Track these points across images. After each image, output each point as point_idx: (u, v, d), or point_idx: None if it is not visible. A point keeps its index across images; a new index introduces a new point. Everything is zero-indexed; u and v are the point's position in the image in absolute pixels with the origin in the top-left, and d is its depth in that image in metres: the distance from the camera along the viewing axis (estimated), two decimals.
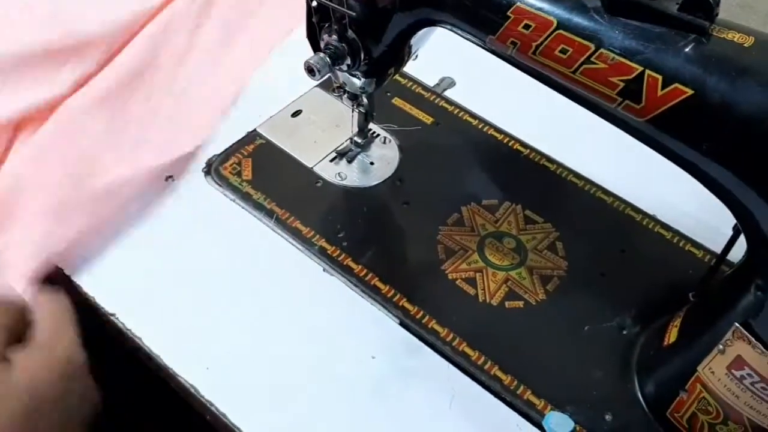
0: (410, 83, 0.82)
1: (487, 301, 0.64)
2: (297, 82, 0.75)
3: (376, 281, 0.64)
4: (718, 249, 0.59)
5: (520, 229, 0.69)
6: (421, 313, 0.63)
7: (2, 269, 0.59)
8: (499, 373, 0.60)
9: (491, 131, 0.78)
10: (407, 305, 0.63)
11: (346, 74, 0.63)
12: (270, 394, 0.58)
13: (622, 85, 0.46)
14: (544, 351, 0.62)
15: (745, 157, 0.44)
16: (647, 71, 0.45)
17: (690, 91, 0.44)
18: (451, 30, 0.55)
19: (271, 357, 0.60)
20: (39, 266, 0.60)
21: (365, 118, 0.71)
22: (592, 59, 0.47)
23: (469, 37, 0.54)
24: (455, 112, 0.79)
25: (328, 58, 0.57)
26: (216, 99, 0.78)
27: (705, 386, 0.53)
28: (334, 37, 0.57)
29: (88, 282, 0.64)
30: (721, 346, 0.51)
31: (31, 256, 0.61)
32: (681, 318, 0.58)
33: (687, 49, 0.44)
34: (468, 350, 0.61)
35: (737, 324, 0.50)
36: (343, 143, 0.75)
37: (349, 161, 0.73)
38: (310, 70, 0.58)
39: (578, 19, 0.47)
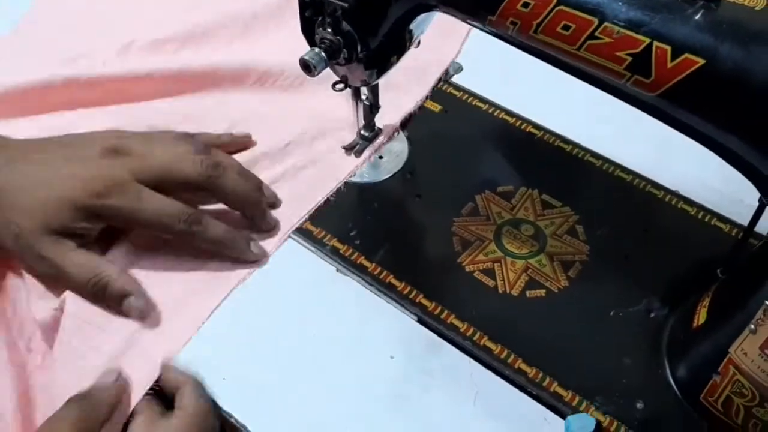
0: None
1: (508, 291, 0.62)
2: None
3: (391, 279, 0.63)
4: (745, 222, 0.56)
5: (538, 214, 0.67)
6: (440, 308, 0.61)
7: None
8: (524, 366, 0.58)
9: (502, 115, 0.75)
10: (424, 301, 0.61)
11: (347, 67, 0.61)
12: (286, 399, 0.57)
13: (629, 59, 0.44)
14: (569, 340, 0.59)
15: (764, 125, 0.42)
16: (655, 43, 0.43)
17: (701, 61, 0.41)
18: (449, 13, 0.53)
19: (286, 362, 0.59)
20: None
21: (370, 110, 0.69)
22: (596, 34, 0.45)
23: (467, 20, 0.52)
24: (464, 98, 0.77)
25: (323, 53, 0.55)
26: None
27: (738, 368, 0.50)
28: (329, 30, 0.55)
29: None
30: (752, 326, 0.48)
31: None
32: (709, 298, 0.56)
33: (695, 17, 0.42)
34: (490, 344, 0.59)
35: (767, 302, 0.47)
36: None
37: (357, 156, 0.71)
38: (305, 66, 0.56)
39: None
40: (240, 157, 0.69)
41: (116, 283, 0.59)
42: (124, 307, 0.59)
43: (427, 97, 0.77)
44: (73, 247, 0.59)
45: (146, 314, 0.60)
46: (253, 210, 0.65)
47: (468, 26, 0.55)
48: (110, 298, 0.59)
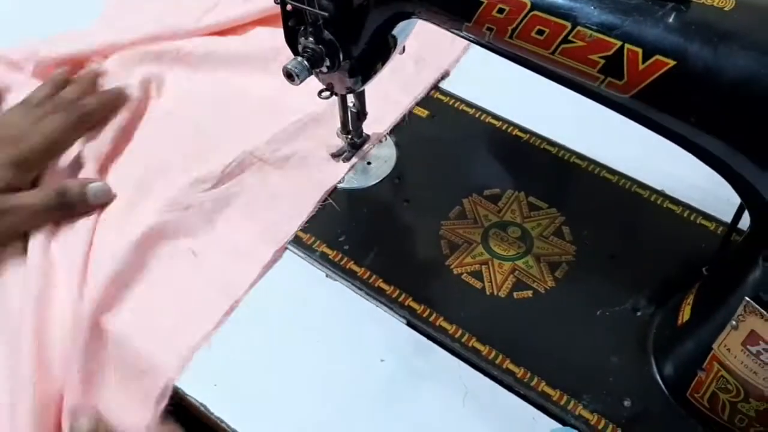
0: None
1: (495, 293, 0.62)
2: None
3: (380, 283, 0.63)
4: (730, 219, 0.57)
5: (525, 216, 0.68)
6: (428, 311, 0.61)
7: None
8: (512, 367, 0.58)
9: (489, 119, 0.76)
10: (413, 304, 0.62)
11: (332, 75, 0.62)
12: (278, 404, 0.58)
13: (602, 62, 0.45)
14: (556, 340, 0.60)
15: (734, 123, 0.42)
16: (626, 45, 0.44)
17: (672, 62, 0.42)
18: (427, 20, 0.54)
19: (277, 367, 0.60)
20: None
21: (357, 117, 0.70)
22: (569, 38, 0.45)
23: (446, 27, 0.52)
24: (450, 102, 0.78)
25: (306, 62, 0.56)
26: None
27: (722, 364, 0.51)
28: (311, 39, 0.56)
29: None
30: (734, 322, 0.49)
31: None
32: (693, 295, 0.56)
33: (666, 19, 0.43)
34: (478, 345, 0.60)
35: (748, 298, 0.48)
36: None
37: (345, 162, 0.72)
38: (288, 75, 0.56)
39: None
40: (228, 157, 0.71)
41: (72, 183, 0.67)
42: (89, 198, 0.67)
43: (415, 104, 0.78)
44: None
45: (110, 195, 0.69)
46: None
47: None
48: (72, 198, 0.67)
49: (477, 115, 0.76)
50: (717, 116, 0.43)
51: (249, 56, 0.82)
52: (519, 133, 0.75)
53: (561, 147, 0.73)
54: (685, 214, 0.67)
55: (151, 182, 0.71)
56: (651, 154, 0.69)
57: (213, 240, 0.67)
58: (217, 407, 0.57)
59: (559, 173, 0.72)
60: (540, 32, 0.46)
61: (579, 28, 0.45)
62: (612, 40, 0.44)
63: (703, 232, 0.66)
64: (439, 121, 0.76)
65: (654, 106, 0.45)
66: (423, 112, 0.77)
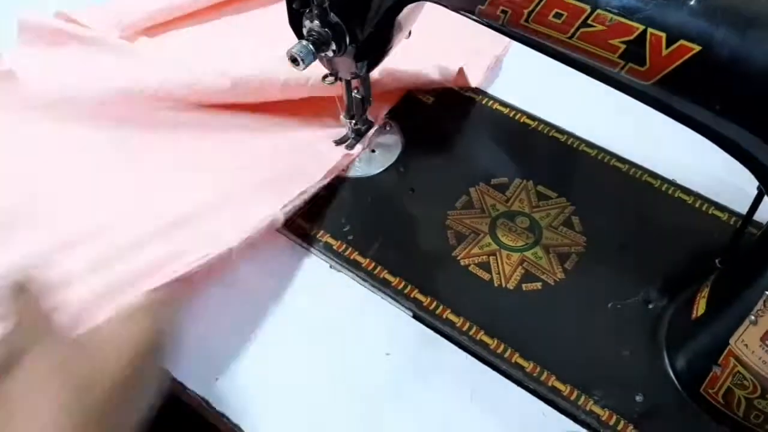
0: None
1: (503, 285, 0.61)
2: None
3: (385, 274, 0.62)
4: (744, 210, 0.55)
5: (533, 206, 0.66)
6: (435, 303, 0.60)
7: None
8: (521, 361, 0.57)
9: (496, 106, 0.74)
10: (420, 296, 0.60)
11: (337, 60, 0.60)
12: (281, 399, 0.56)
13: (623, 47, 0.43)
14: (566, 333, 0.59)
15: (761, 112, 0.41)
16: (649, 30, 0.42)
17: (697, 48, 0.41)
18: (438, 3, 0.52)
19: (280, 361, 0.58)
20: None
21: (362, 103, 0.68)
22: (589, 22, 0.44)
23: (458, 10, 0.51)
24: (457, 89, 0.76)
25: (311, 45, 0.54)
26: None
27: (739, 360, 0.50)
28: (316, 22, 0.54)
29: None
30: (752, 317, 0.48)
31: None
32: (708, 288, 0.55)
33: (690, 2, 0.41)
34: (486, 339, 0.58)
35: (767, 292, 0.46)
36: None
37: (349, 149, 0.70)
38: (293, 60, 0.55)
39: None
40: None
41: None
42: None
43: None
44: None
45: None
46: None
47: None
48: None
49: (484, 102, 0.75)
50: (743, 104, 0.41)
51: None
52: (527, 120, 0.73)
53: (570, 135, 0.71)
54: (697, 204, 0.66)
55: None
56: (662, 142, 0.68)
57: None
58: (218, 402, 0.56)
59: (568, 162, 0.70)
60: (558, 15, 0.45)
61: (599, 11, 0.43)
62: (634, 24, 0.42)
63: (716, 222, 0.65)
64: (445, 108, 0.75)
65: (677, 93, 0.43)
66: (428, 99, 0.75)
